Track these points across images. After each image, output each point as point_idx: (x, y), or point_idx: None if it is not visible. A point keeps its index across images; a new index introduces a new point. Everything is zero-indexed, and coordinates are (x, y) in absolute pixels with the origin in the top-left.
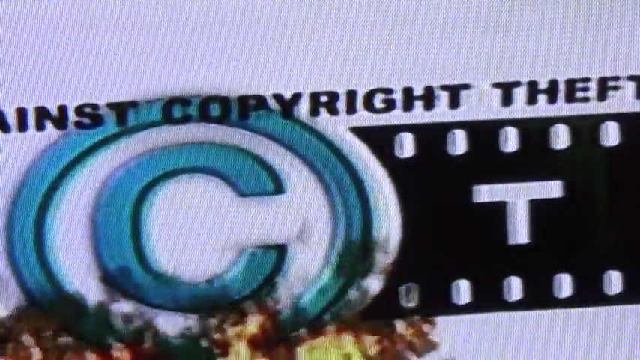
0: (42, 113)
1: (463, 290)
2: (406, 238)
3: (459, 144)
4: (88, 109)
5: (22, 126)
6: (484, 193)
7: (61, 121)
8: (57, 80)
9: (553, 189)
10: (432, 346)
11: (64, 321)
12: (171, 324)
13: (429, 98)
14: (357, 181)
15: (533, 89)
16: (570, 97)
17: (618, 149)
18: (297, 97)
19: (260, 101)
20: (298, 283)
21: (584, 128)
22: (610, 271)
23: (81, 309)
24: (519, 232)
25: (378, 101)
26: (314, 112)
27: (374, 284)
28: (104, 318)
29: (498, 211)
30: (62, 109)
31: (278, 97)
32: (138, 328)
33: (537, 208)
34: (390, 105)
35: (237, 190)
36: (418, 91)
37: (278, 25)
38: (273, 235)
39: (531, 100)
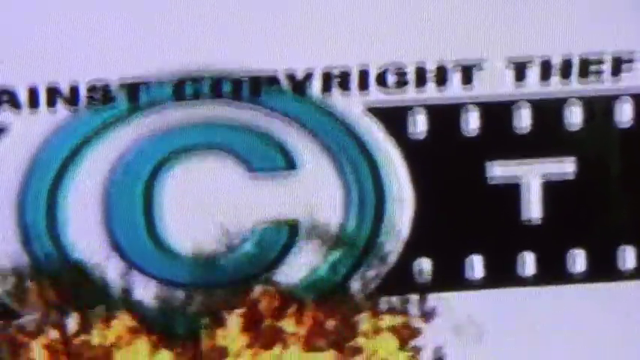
0: (53, 91)
1: (477, 265)
2: (419, 216)
3: (472, 122)
4: (99, 87)
5: (34, 104)
6: (497, 171)
7: (72, 100)
8: (68, 58)
9: (566, 166)
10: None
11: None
12: (177, 297)
13: (441, 76)
14: (369, 159)
15: (546, 66)
16: (584, 75)
17: (632, 126)
18: (309, 74)
19: (272, 78)
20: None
21: (598, 106)
22: (624, 247)
23: (88, 280)
24: (533, 209)
25: (391, 78)
26: (326, 89)
27: (388, 260)
28: (109, 290)
29: (512, 188)
30: (73, 87)
31: (290, 74)
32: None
33: (551, 184)
34: (402, 83)
35: (248, 166)
36: (431, 68)
37: (290, 2)
38: (285, 211)
39: (545, 77)
